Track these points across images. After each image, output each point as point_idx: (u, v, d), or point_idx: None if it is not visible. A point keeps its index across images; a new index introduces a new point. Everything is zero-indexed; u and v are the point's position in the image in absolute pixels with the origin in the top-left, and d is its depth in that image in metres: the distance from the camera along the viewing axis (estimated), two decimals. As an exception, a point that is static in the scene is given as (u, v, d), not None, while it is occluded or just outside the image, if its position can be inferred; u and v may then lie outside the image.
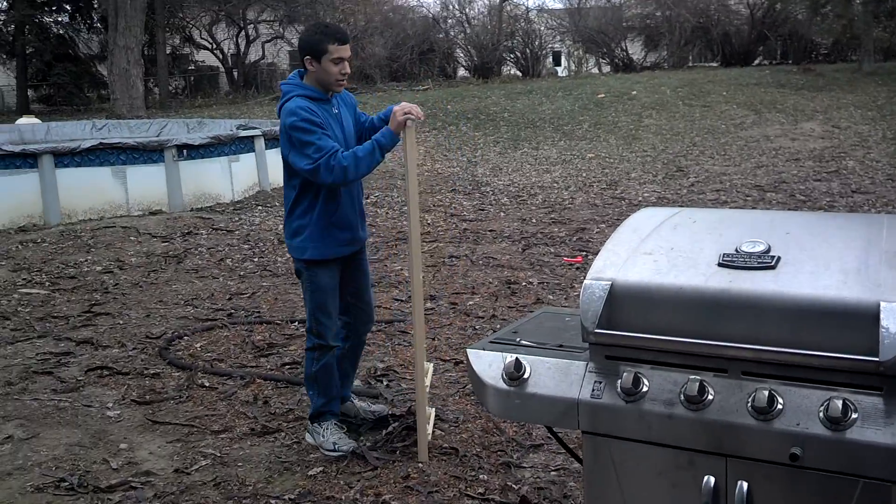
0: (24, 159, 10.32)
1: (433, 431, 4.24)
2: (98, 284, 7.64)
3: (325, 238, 3.96)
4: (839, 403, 1.79)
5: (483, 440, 4.21)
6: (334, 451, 4.09)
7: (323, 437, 4.14)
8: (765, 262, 2.01)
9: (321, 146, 3.73)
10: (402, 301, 6.81)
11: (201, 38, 37.30)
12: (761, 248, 2.05)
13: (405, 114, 3.84)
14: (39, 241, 9.39)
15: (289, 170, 3.93)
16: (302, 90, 3.87)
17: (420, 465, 3.95)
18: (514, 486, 3.73)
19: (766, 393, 1.88)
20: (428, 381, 4.20)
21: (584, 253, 8.20)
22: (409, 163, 3.97)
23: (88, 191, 10.73)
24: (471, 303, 6.66)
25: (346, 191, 3.99)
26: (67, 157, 10.58)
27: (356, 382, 5.02)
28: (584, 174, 13.60)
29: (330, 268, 4.04)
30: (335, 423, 4.21)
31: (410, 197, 4.01)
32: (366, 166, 3.82)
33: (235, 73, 36.76)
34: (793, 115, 18.07)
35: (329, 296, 4.05)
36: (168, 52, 34.99)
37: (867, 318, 1.81)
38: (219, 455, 4.16)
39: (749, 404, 1.90)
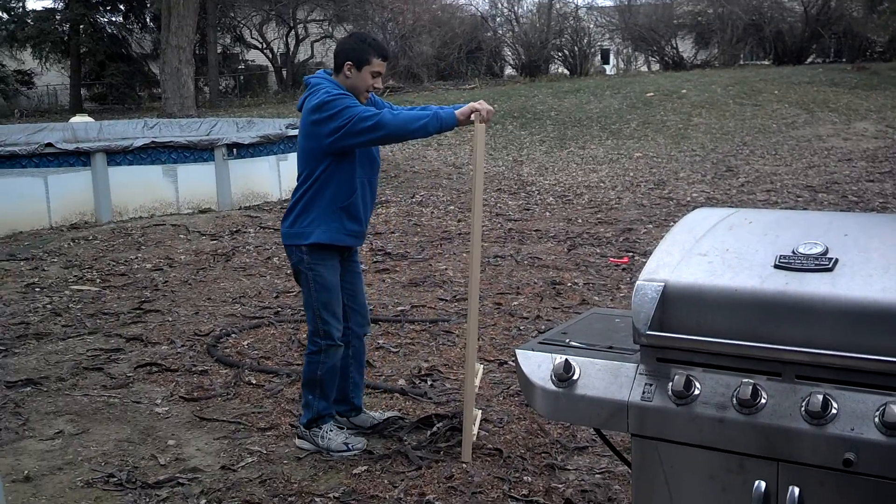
0: (78, 157, 10.51)
1: (478, 432, 4.21)
2: (148, 282, 7.74)
3: (332, 223, 3.93)
4: (895, 408, 1.74)
5: (527, 441, 4.18)
6: (348, 450, 4.08)
7: (326, 439, 4.11)
8: (822, 264, 1.96)
9: (356, 105, 3.81)
10: (446, 301, 6.81)
11: (251, 38, 37.66)
12: (818, 249, 2.00)
13: (476, 111, 3.84)
14: (91, 238, 9.55)
15: (305, 159, 3.92)
16: (334, 86, 3.89)
17: (464, 465, 3.93)
18: (558, 487, 3.70)
19: (821, 397, 1.83)
20: (478, 382, 4.19)
21: (631, 253, 8.12)
22: (477, 161, 3.96)
23: (140, 189, 10.88)
24: (515, 303, 6.63)
25: (363, 180, 3.97)
26: (120, 156, 10.75)
27: (400, 382, 5.03)
28: (632, 174, 13.49)
29: (333, 260, 4.00)
30: (336, 425, 4.20)
31: (475, 196, 3.98)
32: (405, 123, 3.78)
33: (284, 73, 37.06)
34: (846, 114, 17.75)
35: (333, 293, 4.02)
36: (219, 51, 35.39)
37: (927, 321, 1.76)
38: (265, 452, 4.18)
39: (803, 408, 1.85)
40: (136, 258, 8.67)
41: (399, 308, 6.58)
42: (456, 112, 3.84)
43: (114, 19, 35.87)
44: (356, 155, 3.93)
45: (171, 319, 6.54)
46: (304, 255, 3.97)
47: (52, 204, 10.37)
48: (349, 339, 4.21)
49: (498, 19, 36.53)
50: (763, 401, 1.91)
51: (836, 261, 1.95)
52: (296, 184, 4.04)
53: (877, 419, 1.79)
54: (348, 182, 3.93)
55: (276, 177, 12.02)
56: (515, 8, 35.73)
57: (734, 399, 1.93)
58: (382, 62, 3.94)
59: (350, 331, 4.21)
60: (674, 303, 2.04)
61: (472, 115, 3.83)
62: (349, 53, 3.92)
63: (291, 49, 36.92)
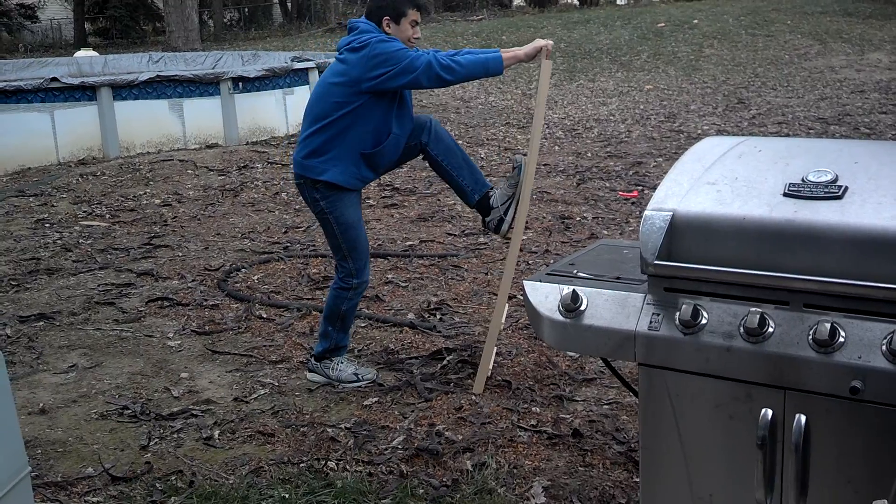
0: (83, 91, 10.45)
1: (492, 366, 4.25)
2: (157, 217, 7.76)
3: (349, 167, 3.88)
4: (904, 337, 1.75)
5: (536, 374, 4.22)
6: (358, 380, 4.13)
7: (337, 370, 4.15)
8: (831, 191, 1.94)
9: (406, 49, 3.81)
10: (455, 235, 6.81)
11: (255, -30, 37.15)
12: (828, 177, 1.99)
13: (544, 47, 3.86)
14: (99, 173, 9.54)
15: (337, 92, 3.83)
16: (382, 35, 3.85)
17: (473, 396, 3.97)
18: (566, 418, 3.75)
19: (828, 325, 1.83)
20: (503, 320, 4.20)
21: (641, 187, 8.09)
22: (540, 99, 3.95)
23: (146, 124, 10.84)
24: (524, 238, 6.61)
25: (396, 135, 3.92)
26: (125, 90, 10.69)
27: (410, 316, 5.06)
28: (642, 106, 13.37)
29: (352, 196, 3.97)
30: (347, 357, 4.24)
31: (534, 136, 4.00)
32: (464, 71, 3.79)
33: (289, 4, 36.59)
34: (859, 44, 17.49)
35: (359, 230, 4.00)
36: (222, -16, 34.93)
37: (937, 249, 1.75)
38: (276, 384, 4.23)
39: (810, 337, 1.86)
40: (145, 193, 8.68)
41: (408, 243, 6.59)
42: (521, 51, 3.87)
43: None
44: (395, 107, 3.89)
45: (180, 255, 6.57)
46: (318, 198, 3.91)
47: (60, 139, 10.34)
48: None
49: (506, -51, 35.88)
50: (770, 329, 1.91)
51: (846, 189, 1.94)
52: (313, 116, 3.93)
53: (884, 347, 1.79)
54: (378, 130, 3.88)
55: (283, 111, 11.95)
56: (524, -63, 35.06)
57: (741, 328, 1.94)
58: (419, 12, 3.93)
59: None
60: (682, 232, 2.04)
61: (542, 52, 3.86)
62: (384, 9, 3.90)
63: (296, -19, 36.40)
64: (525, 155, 4.10)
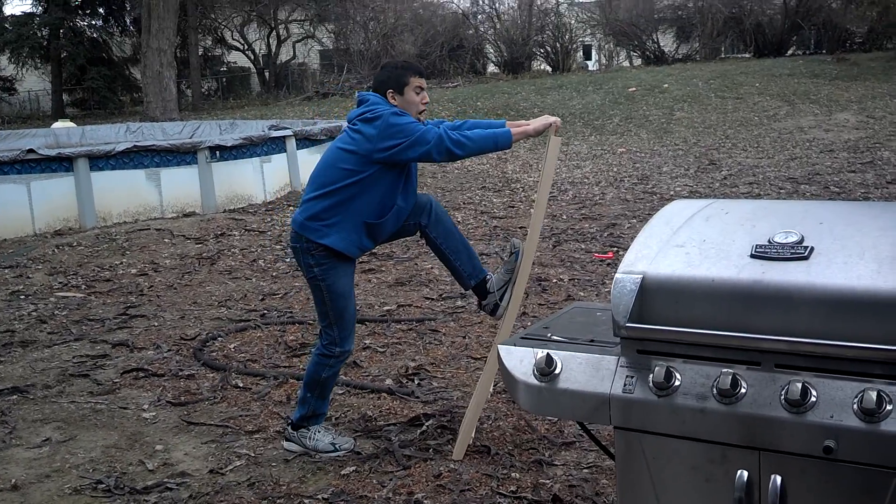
0: (60, 163, 10.45)
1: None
2: (133, 287, 7.72)
3: (351, 234, 3.88)
4: (873, 395, 1.76)
5: (515, 438, 4.20)
6: (335, 450, 4.08)
7: (314, 440, 4.10)
8: (798, 252, 1.98)
9: (417, 122, 3.86)
10: (432, 299, 6.81)
11: (233, 39, 37.54)
12: (794, 238, 2.02)
13: (553, 123, 3.96)
14: (75, 244, 9.51)
15: (347, 160, 3.84)
16: (395, 108, 3.90)
17: (452, 464, 3.94)
18: (546, 483, 3.72)
19: (800, 385, 1.85)
20: (491, 389, 4.18)
21: (616, 249, 8.15)
22: (545, 175, 3.98)
23: (123, 193, 10.84)
24: (502, 299, 6.63)
25: (399, 208, 3.94)
26: (102, 160, 10.70)
27: (388, 381, 5.03)
28: (615, 169, 13.52)
29: (346, 266, 3.96)
30: (325, 426, 4.20)
31: (537, 213, 4.02)
32: (475, 146, 3.85)
33: (267, 74, 36.98)
34: (827, 105, 17.85)
35: (350, 300, 3.99)
36: (200, 53, 35.27)
37: (902, 308, 1.78)
38: (253, 455, 4.18)
39: (782, 397, 1.87)
40: (121, 263, 8.64)
41: (385, 308, 6.59)
42: (531, 126, 3.94)
43: (94, 23, 35.70)
44: (402, 180, 3.92)
45: (156, 324, 6.53)
46: (313, 264, 3.89)
47: (36, 210, 10.31)
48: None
49: (479, 16, 36.54)
50: (743, 390, 1.93)
51: (812, 249, 1.97)
52: (320, 181, 3.93)
53: (855, 406, 1.80)
54: (384, 202, 3.90)
55: (261, 178, 11.99)
56: (497, 5, 35.73)
57: (714, 389, 1.95)
58: (420, 77, 3.99)
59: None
60: (652, 294, 2.06)
61: (551, 128, 3.95)
62: (387, 82, 3.96)
63: (273, 50, 36.83)
64: (522, 241, 4.13)
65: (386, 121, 3.78)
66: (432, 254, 8.07)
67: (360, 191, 3.85)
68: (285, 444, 4.20)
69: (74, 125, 17.56)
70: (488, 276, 4.11)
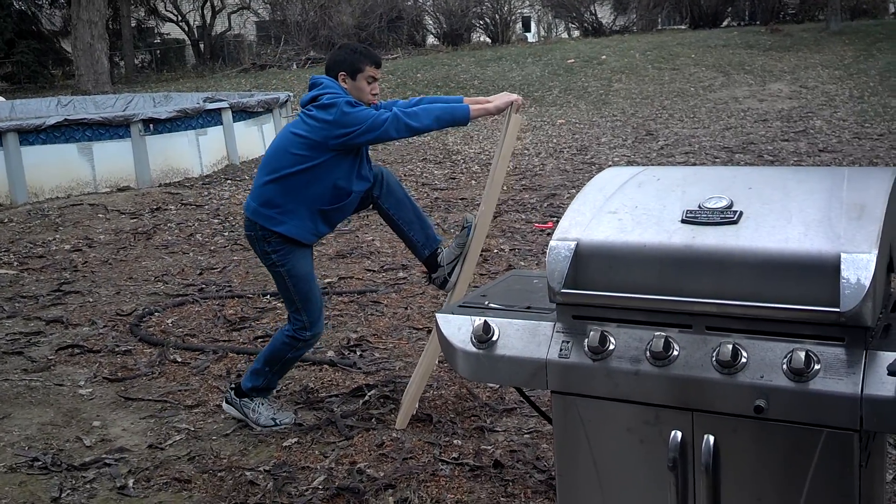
0: (-12, 138, 10.17)
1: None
2: (67, 263, 7.57)
3: (306, 222, 3.85)
4: (802, 355, 1.81)
5: (457, 406, 4.23)
6: (275, 425, 4.07)
7: (256, 413, 4.09)
8: (727, 217, 2.01)
9: (367, 108, 3.82)
10: (374, 271, 6.80)
11: (166, 10, 36.78)
12: (724, 203, 2.06)
13: (514, 101, 3.89)
14: (6, 220, 9.29)
15: (300, 145, 3.79)
16: (349, 97, 3.84)
17: (395, 433, 3.96)
18: (487, 449, 3.76)
19: (731, 347, 1.89)
20: (436, 361, 4.18)
21: (555, 218, 8.21)
22: (503, 153, 3.94)
23: (55, 168, 10.60)
24: (443, 270, 6.65)
25: (355, 195, 3.91)
26: (33, 135, 10.44)
27: (330, 353, 5.03)
28: (555, 140, 13.60)
29: (304, 249, 3.93)
30: (269, 399, 4.19)
31: (491, 189, 3.98)
32: (431, 119, 3.80)
33: (202, 46, 36.32)
34: (761, 76, 18.14)
35: (312, 283, 3.96)
36: (133, 25, 34.48)
37: (828, 269, 1.82)
38: (192, 429, 4.15)
39: (714, 359, 1.91)
40: (54, 239, 8.47)
41: (326, 280, 6.56)
42: (491, 104, 3.89)
43: (21, -5, 34.65)
44: (357, 165, 3.88)
45: (91, 300, 6.41)
46: (270, 251, 3.85)
47: (-36, 187, 10.04)
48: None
49: (418, -12, 36.27)
50: (675, 353, 1.96)
51: (741, 213, 2.01)
52: (273, 165, 3.87)
53: (785, 366, 1.85)
54: (338, 188, 3.85)
55: (196, 152, 11.81)
56: (435, -24, 35.50)
57: (647, 352, 1.98)
58: (376, 68, 3.93)
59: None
60: (586, 261, 2.08)
61: (512, 105, 3.89)
62: (341, 64, 3.90)
63: (208, 21, 36.17)
64: (475, 216, 4.12)
65: (340, 108, 3.72)
66: (373, 225, 8.07)
67: (314, 177, 3.80)
68: (224, 405, 4.20)
69: (3, 99, 17.08)
70: (440, 249, 4.10)
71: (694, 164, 10.79)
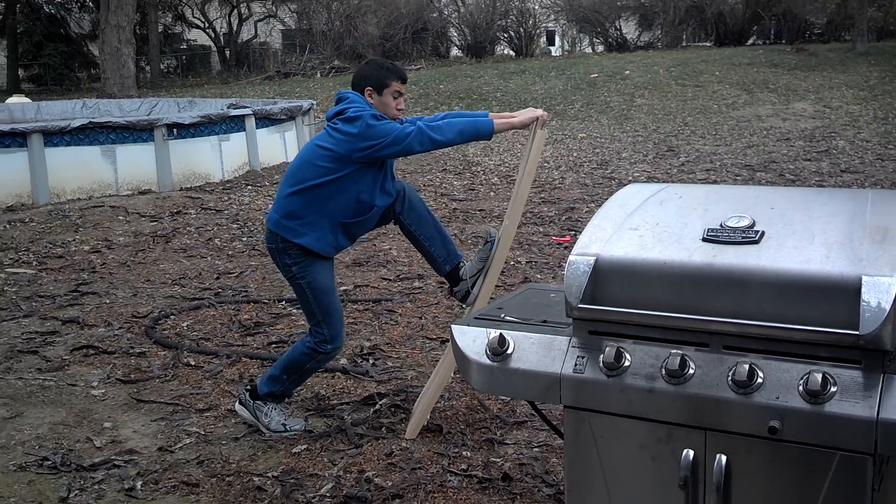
0: (14, 138, 10.23)
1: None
2: (85, 264, 7.60)
3: (327, 234, 3.85)
4: (818, 377, 1.78)
5: (467, 417, 4.20)
6: (285, 431, 4.06)
7: (268, 417, 4.08)
8: (749, 236, 1.99)
9: (392, 122, 3.82)
10: (389, 280, 6.80)
11: (193, 17, 37.00)
12: (745, 222, 2.03)
13: (540, 117, 3.89)
14: (28, 220, 9.34)
15: (324, 157, 3.79)
16: (374, 111, 3.84)
17: (404, 442, 3.94)
18: (496, 461, 3.73)
19: (747, 367, 1.86)
20: (451, 373, 4.17)
21: (573, 232, 8.18)
22: (528, 168, 3.94)
23: (77, 170, 10.66)
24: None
25: (378, 209, 3.91)
26: (57, 136, 10.51)
27: (342, 360, 5.02)
28: (575, 154, 13.57)
29: (325, 262, 3.93)
30: (281, 405, 4.19)
31: (516, 203, 4.00)
32: (454, 132, 3.80)
33: (227, 53, 36.53)
34: (785, 94, 18.05)
35: (333, 295, 3.96)
36: (160, 30, 34.74)
37: (849, 292, 1.80)
38: (203, 433, 4.14)
39: (729, 378, 1.89)
40: (74, 240, 8.51)
41: (342, 288, 6.55)
42: (516, 119, 3.89)
43: (51, -2, 35.01)
44: (380, 179, 3.88)
45: (108, 302, 6.44)
46: (290, 263, 3.86)
47: (-12, 185, 10.11)
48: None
49: (443, 0, 36.37)
50: (691, 371, 1.94)
51: (763, 233, 1.98)
52: (296, 177, 3.88)
53: (801, 388, 1.82)
54: (361, 201, 3.86)
55: (219, 157, 11.85)
56: (461, -12, 35.62)
57: (663, 370, 1.96)
58: (402, 84, 3.95)
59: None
60: (605, 276, 2.06)
61: (538, 121, 3.89)
62: (368, 79, 3.92)
63: (234, 28, 36.40)
64: (498, 230, 4.10)
65: (366, 121, 3.73)
66: (390, 235, 8.06)
67: (337, 190, 3.81)
68: (237, 406, 4.19)
69: (29, 100, 17.24)
70: (461, 263, 4.09)
71: (715, 182, 10.73)
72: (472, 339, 2.28)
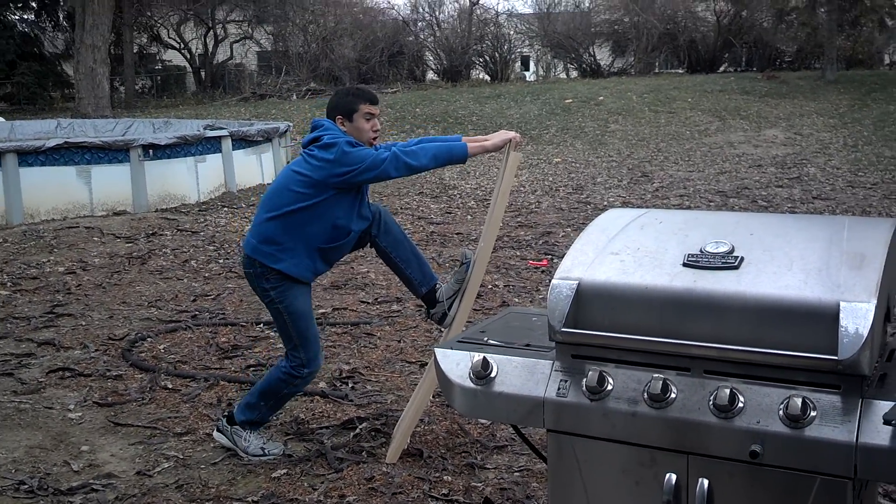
0: (-13, 158, 10.18)
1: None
2: (60, 285, 7.55)
3: (304, 260, 3.87)
4: (798, 402, 1.82)
5: (448, 442, 4.21)
6: (264, 455, 4.05)
7: (247, 440, 4.07)
8: (728, 262, 2.03)
9: (366, 148, 3.84)
10: (368, 303, 6.80)
11: (169, 38, 36.95)
12: (725, 248, 2.08)
13: (513, 139, 3.91)
14: (1, 240, 9.27)
15: (301, 182, 3.81)
16: (349, 137, 3.87)
17: (385, 467, 3.94)
18: (477, 486, 3.74)
19: (728, 391, 1.90)
20: (430, 396, 4.18)
21: (550, 256, 8.23)
22: (502, 190, 3.95)
23: (52, 190, 10.60)
24: (437, 305, 6.65)
25: (354, 234, 3.94)
26: (31, 156, 10.45)
27: (321, 384, 5.01)
28: (551, 178, 13.66)
29: (303, 287, 3.94)
30: (260, 430, 4.18)
31: (491, 226, 4.03)
32: (429, 158, 3.81)
33: (203, 74, 36.49)
34: (756, 121, 18.28)
35: (310, 320, 3.98)
36: (135, 51, 34.64)
37: (827, 317, 1.84)
38: (181, 457, 4.12)
39: (711, 402, 1.92)
40: (49, 261, 8.45)
41: (320, 311, 6.55)
42: (489, 142, 3.90)
43: (25, 17, 34.80)
44: (356, 205, 3.90)
45: (84, 323, 6.39)
46: (268, 288, 3.86)
47: (-40, 206, 10.03)
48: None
49: (419, 24, 36.60)
50: (673, 395, 1.97)
51: (742, 259, 2.02)
52: (273, 203, 3.90)
53: (781, 412, 1.86)
54: (338, 227, 3.88)
55: (195, 179, 11.83)
56: (437, 13, 35.87)
57: (645, 394, 1.99)
58: (371, 105, 3.96)
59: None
60: (587, 300, 2.09)
61: (511, 143, 3.91)
62: (336, 109, 3.95)
63: (210, 50, 36.37)
64: (474, 252, 4.13)
65: (341, 148, 3.76)
66: (368, 258, 8.07)
67: (314, 216, 3.83)
68: (215, 433, 4.17)
69: (3, 119, 17.13)
70: (438, 285, 4.12)
71: (688, 207, 10.84)
72: (456, 363, 2.30)
